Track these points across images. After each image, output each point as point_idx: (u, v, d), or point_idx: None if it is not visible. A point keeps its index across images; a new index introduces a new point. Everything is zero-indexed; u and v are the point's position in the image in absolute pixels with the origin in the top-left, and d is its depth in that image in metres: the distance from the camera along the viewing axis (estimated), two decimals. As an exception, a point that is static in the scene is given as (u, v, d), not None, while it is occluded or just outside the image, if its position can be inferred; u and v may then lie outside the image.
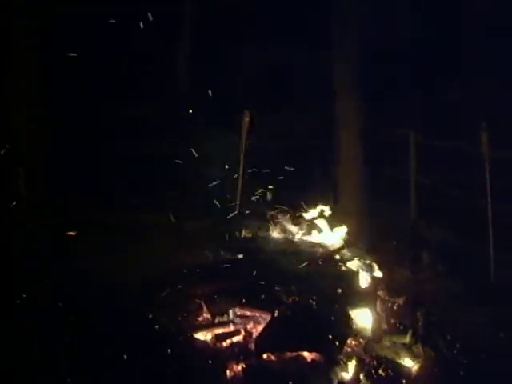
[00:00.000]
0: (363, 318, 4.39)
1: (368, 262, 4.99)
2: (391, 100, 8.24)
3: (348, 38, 6.82)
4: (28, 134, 6.24)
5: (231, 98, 7.23)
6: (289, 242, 5.35)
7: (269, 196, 6.13)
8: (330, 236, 5.48)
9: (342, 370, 3.85)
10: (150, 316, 4.26)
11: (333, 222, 5.77)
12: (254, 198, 6.38)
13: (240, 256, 5.02)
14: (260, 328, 4.16)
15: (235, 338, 4.12)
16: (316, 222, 5.62)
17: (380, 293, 4.72)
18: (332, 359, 3.89)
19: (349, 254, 5.10)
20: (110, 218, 6.34)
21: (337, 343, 3.96)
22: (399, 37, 8.69)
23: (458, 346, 4.23)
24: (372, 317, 4.33)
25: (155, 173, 6.78)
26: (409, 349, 4.11)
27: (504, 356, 4.21)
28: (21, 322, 4.23)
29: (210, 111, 7.27)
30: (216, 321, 4.28)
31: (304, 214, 5.73)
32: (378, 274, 4.95)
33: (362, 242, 5.48)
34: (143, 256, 5.46)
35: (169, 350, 3.91)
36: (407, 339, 4.17)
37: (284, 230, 5.59)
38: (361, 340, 4.18)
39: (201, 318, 4.36)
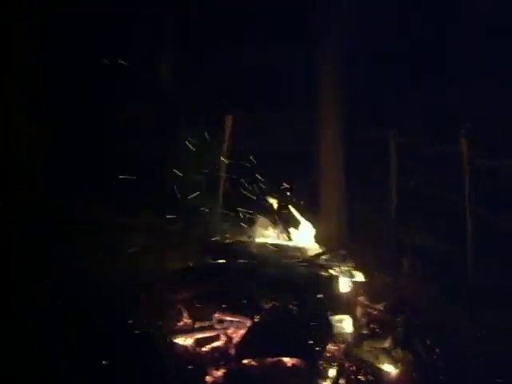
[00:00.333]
0: (343, 323, 4.42)
1: (348, 267, 5.00)
2: (377, 100, 8.27)
3: (333, 38, 6.73)
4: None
5: (216, 98, 7.20)
6: (269, 246, 5.35)
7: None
8: (310, 241, 5.49)
9: (322, 375, 3.87)
10: (131, 321, 4.24)
11: (313, 227, 5.78)
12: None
13: (220, 261, 5.02)
14: (240, 333, 4.17)
15: (216, 343, 4.14)
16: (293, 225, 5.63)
17: (360, 298, 4.74)
18: (312, 364, 3.91)
19: (329, 259, 5.10)
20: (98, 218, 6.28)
21: (317, 348, 3.98)
22: (387, 36, 8.70)
23: (437, 350, 4.25)
24: (352, 322, 4.36)
25: (139, 174, 6.76)
26: (388, 353, 4.14)
27: (483, 360, 4.22)
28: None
29: (195, 112, 7.23)
30: (196, 326, 4.29)
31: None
32: (358, 279, 4.96)
33: (343, 246, 5.47)
34: (126, 259, 5.46)
35: (149, 355, 3.90)
36: (387, 344, 4.19)
37: (264, 234, 5.61)
38: (341, 345, 4.20)
39: (181, 323, 4.37)
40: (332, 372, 3.87)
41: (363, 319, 4.47)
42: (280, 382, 3.75)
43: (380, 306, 4.68)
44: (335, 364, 3.93)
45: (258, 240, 5.56)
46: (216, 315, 4.32)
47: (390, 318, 4.50)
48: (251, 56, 8.63)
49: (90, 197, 6.42)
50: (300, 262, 5.00)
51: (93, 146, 6.71)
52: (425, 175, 7.00)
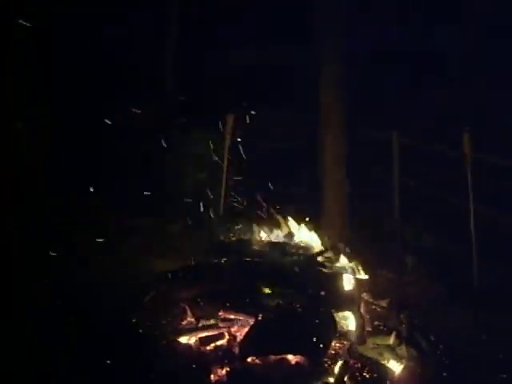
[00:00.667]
0: (347, 320, 4.41)
1: (352, 264, 5.00)
2: (378, 100, 8.28)
3: (332, 38, 6.71)
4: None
5: (217, 98, 7.20)
6: (272, 244, 5.35)
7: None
8: (313, 238, 5.49)
9: (326, 373, 3.84)
10: (134, 320, 4.24)
11: (317, 224, 5.79)
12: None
13: (224, 259, 5.02)
14: (244, 331, 4.14)
15: (219, 342, 4.10)
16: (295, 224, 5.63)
17: (364, 295, 4.73)
18: (316, 362, 3.88)
19: (333, 256, 5.10)
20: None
21: (321, 346, 3.94)
22: (386, 37, 8.72)
23: (441, 347, 4.24)
24: (356, 319, 4.33)
25: (138, 174, 6.76)
26: (393, 350, 4.11)
27: (486, 357, 4.23)
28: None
29: (196, 111, 7.23)
30: (200, 324, 4.26)
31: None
32: (361, 276, 4.96)
33: (346, 244, 5.48)
34: (128, 259, 5.46)
35: (150, 354, 3.89)
36: (391, 341, 4.17)
37: (267, 232, 5.60)
38: (345, 342, 4.18)
39: (185, 322, 4.34)
40: (336, 369, 3.85)
41: (367, 316, 4.45)
42: (284, 379, 3.73)
43: (384, 303, 4.66)
44: (340, 361, 3.92)
45: (261, 238, 5.54)
46: (220, 314, 4.30)
47: (394, 315, 4.49)
48: (251, 56, 8.66)
49: (90, 197, 6.43)
50: (303, 259, 4.98)
51: (93, 146, 6.71)
52: (427, 175, 7.03)
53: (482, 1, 8.79)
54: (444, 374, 3.95)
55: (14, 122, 6.18)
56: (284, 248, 5.22)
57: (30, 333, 4.07)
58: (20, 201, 5.95)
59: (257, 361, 3.87)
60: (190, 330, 4.23)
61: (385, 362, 4.02)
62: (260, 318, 4.17)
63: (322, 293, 4.43)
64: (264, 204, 6.24)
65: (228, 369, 3.83)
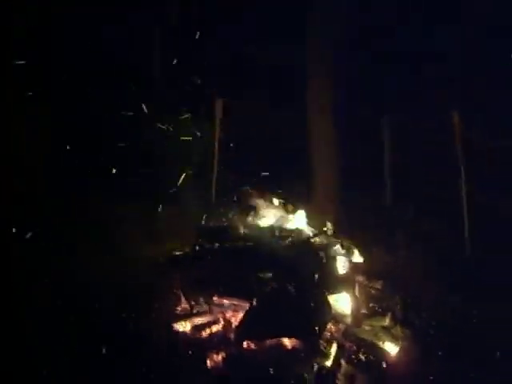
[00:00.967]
0: (342, 302, 4.40)
1: (345, 247, 4.99)
2: (367, 86, 8.27)
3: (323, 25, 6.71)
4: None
5: (204, 87, 7.18)
6: (266, 228, 5.33)
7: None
8: (306, 221, 5.49)
9: (322, 356, 3.84)
10: (128, 308, 4.25)
11: (309, 208, 5.79)
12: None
13: (217, 245, 5.00)
14: (239, 316, 4.14)
15: (214, 327, 4.11)
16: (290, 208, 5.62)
17: (358, 277, 4.71)
18: (312, 345, 3.88)
19: (326, 239, 5.09)
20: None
21: (317, 329, 3.95)
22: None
23: (435, 326, 4.26)
24: (351, 301, 4.33)
25: (127, 163, 6.76)
26: (388, 331, 4.12)
27: (479, 334, 4.28)
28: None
29: (184, 100, 7.21)
30: (195, 311, 4.26)
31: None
32: (355, 259, 4.95)
33: (339, 227, 5.48)
34: (119, 247, 5.45)
35: (148, 342, 3.91)
36: (386, 322, 4.18)
37: (259, 216, 5.58)
38: (340, 325, 4.19)
39: (179, 309, 4.35)
40: (332, 352, 3.84)
41: (362, 298, 4.45)
42: (280, 363, 3.73)
43: (378, 285, 4.66)
44: (335, 344, 3.91)
45: (254, 222, 5.51)
46: (214, 299, 4.29)
47: (388, 297, 4.50)
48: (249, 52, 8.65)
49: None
50: (297, 242, 4.97)
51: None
52: (419, 156, 7.08)
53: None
54: (439, 353, 3.96)
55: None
56: (278, 232, 5.20)
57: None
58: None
59: (252, 345, 3.86)
60: (184, 317, 4.22)
61: (380, 343, 4.02)
62: (255, 303, 4.15)
63: (317, 276, 4.41)
64: (253, 190, 6.23)
65: (224, 354, 3.83)
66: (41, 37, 6.40)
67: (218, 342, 3.94)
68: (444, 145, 6.08)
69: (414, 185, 6.87)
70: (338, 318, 4.23)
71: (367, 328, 4.16)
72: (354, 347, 3.93)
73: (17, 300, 4.53)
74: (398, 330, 4.12)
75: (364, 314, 4.31)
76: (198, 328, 4.06)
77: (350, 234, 5.36)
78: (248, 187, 5.91)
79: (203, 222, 5.70)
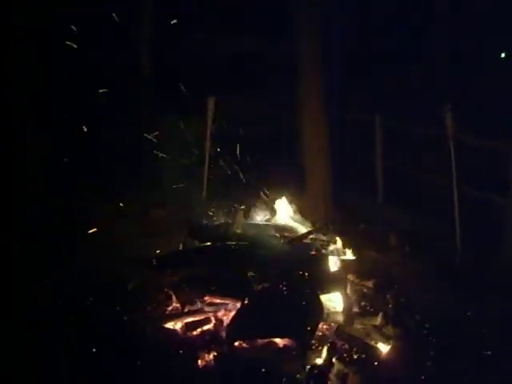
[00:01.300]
0: (334, 301, 4.38)
1: (337, 245, 4.98)
2: (361, 83, 8.29)
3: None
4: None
5: (195, 84, 7.17)
6: (257, 227, 5.31)
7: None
8: (297, 220, 5.48)
9: (314, 355, 3.83)
10: (119, 307, 4.24)
11: (300, 206, 5.78)
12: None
13: (208, 243, 4.97)
14: (231, 315, 4.11)
15: (206, 327, 4.07)
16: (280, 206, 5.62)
17: (350, 276, 4.69)
18: (304, 344, 3.86)
19: (318, 238, 5.08)
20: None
21: (308, 328, 3.93)
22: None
23: (427, 326, 4.25)
24: (342, 300, 4.31)
25: (119, 161, 6.75)
26: (380, 331, 4.11)
27: (472, 335, 4.24)
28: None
29: (173, 97, 7.19)
30: (186, 310, 4.22)
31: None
32: (347, 257, 4.94)
33: (331, 225, 5.47)
34: (111, 246, 5.45)
35: (138, 341, 3.89)
36: (378, 321, 4.18)
37: (252, 215, 5.57)
38: (332, 324, 4.16)
39: (170, 308, 4.32)
40: (324, 351, 3.84)
41: (353, 297, 4.43)
42: (272, 363, 3.71)
43: (370, 284, 4.66)
44: (327, 343, 3.91)
45: (245, 221, 5.50)
46: (205, 298, 4.26)
47: (380, 296, 4.49)
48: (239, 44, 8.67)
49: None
50: (288, 241, 4.96)
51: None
52: (411, 155, 7.10)
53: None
54: (431, 353, 3.96)
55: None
56: (269, 230, 5.19)
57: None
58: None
59: (244, 345, 3.86)
60: (175, 316, 4.19)
61: (372, 343, 4.02)
62: (246, 302, 4.13)
63: (308, 275, 4.40)
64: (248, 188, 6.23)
65: (215, 353, 3.80)
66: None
67: (209, 341, 3.91)
68: (437, 143, 6.08)
69: (406, 183, 6.88)
70: (329, 317, 4.22)
71: (359, 327, 4.15)
72: (346, 346, 3.92)
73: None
74: (389, 329, 4.11)
75: (356, 312, 4.30)
76: (189, 327, 4.03)
77: (342, 232, 5.36)
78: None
79: (195, 220, 5.67)
